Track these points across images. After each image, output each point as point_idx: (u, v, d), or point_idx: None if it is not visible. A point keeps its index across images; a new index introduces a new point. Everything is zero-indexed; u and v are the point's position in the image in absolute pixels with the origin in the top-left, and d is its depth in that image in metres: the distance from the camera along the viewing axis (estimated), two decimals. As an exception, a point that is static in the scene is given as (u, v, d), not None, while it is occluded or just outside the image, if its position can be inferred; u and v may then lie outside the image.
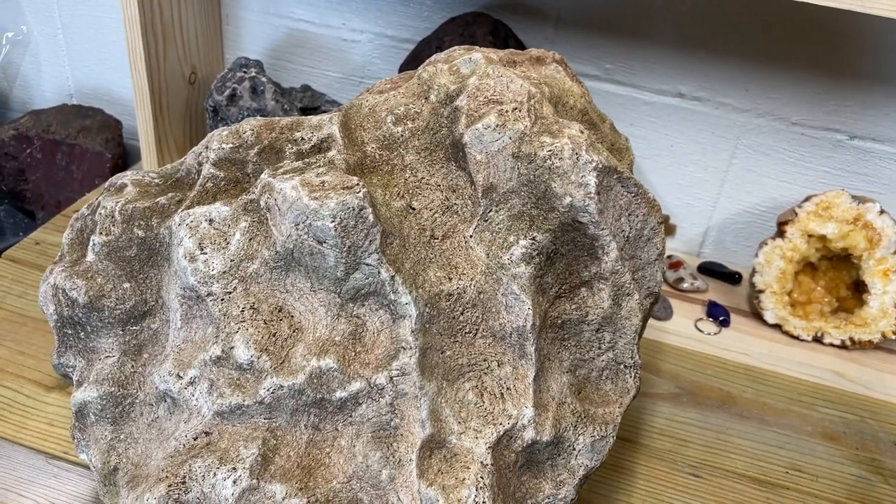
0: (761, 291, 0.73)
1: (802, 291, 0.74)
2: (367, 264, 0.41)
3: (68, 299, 0.48)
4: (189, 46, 0.80)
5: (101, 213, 0.49)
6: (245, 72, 0.77)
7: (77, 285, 0.48)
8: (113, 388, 0.48)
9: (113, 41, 0.92)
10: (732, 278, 0.80)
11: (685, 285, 0.77)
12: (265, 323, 0.43)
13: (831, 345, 0.73)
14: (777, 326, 0.74)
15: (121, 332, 0.49)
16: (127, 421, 0.48)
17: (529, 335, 0.43)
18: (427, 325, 0.42)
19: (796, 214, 0.71)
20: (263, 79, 0.76)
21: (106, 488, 0.48)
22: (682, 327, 0.73)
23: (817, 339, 0.73)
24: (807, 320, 0.73)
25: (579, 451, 0.45)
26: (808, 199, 0.71)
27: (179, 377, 0.44)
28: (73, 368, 0.51)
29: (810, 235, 0.71)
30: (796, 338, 0.73)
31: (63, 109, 0.90)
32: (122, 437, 0.48)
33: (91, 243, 0.49)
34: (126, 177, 0.52)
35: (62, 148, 0.86)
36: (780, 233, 0.72)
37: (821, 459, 0.62)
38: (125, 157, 0.91)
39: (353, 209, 0.40)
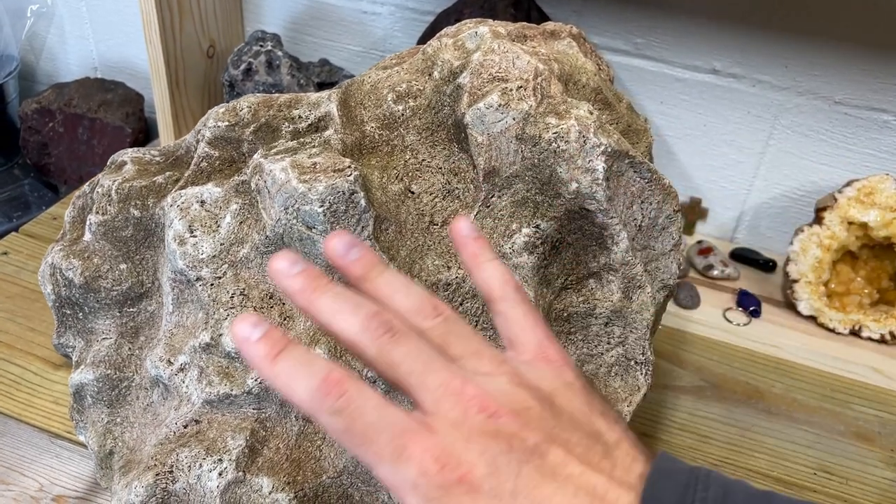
0: (795, 281, 0.69)
1: (840, 282, 0.70)
2: (360, 251, 0.39)
3: (65, 279, 0.47)
4: (207, 19, 0.79)
5: (98, 192, 0.48)
6: (261, 46, 0.75)
7: (73, 265, 0.47)
8: (109, 371, 0.47)
9: (136, 13, 0.91)
10: (766, 266, 0.76)
11: (715, 272, 0.74)
12: (255, 310, 0.41)
13: (870, 339, 0.69)
14: (812, 318, 0.70)
15: (118, 314, 0.48)
16: (123, 404, 0.48)
17: (531, 329, 0.40)
18: (423, 316, 0.40)
19: (836, 200, 0.67)
20: (279, 53, 0.74)
21: (102, 471, 0.48)
22: (710, 316, 0.70)
23: (855, 333, 0.69)
24: (844, 312, 0.69)
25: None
26: (849, 183, 0.67)
27: (170, 363, 0.43)
28: (72, 349, 0.50)
29: (850, 223, 0.66)
30: (832, 331, 0.69)
31: (85, 83, 0.89)
32: (118, 420, 0.47)
33: (88, 222, 0.48)
34: (127, 154, 0.51)
35: (83, 122, 0.86)
36: (818, 219, 0.68)
37: (852, 461, 0.58)
38: (146, 132, 0.90)
39: (344, 193, 0.38)
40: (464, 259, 0.33)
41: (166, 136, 0.79)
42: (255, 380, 0.40)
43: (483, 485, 0.27)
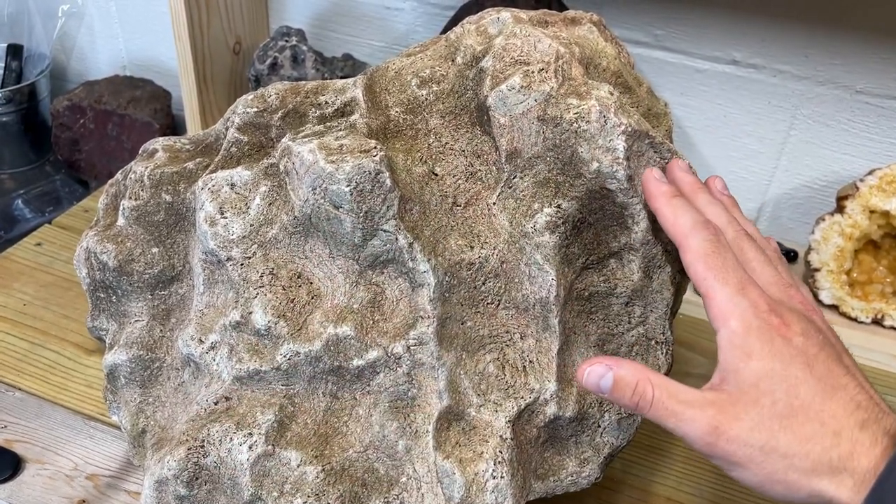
0: (817, 270, 0.69)
1: (862, 271, 0.70)
2: (385, 230, 0.40)
3: (99, 263, 0.49)
4: (233, 15, 0.80)
5: (131, 178, 0.50)
6: (286, 41, 0.76)
7: (107, 249, 0.48)
8: (142, 352, 0.49)
9: (163, 13, 0.93)
10: (788, 256, 0.76)
11: (736, 262, 0.74)
12: (283, 289, 0.42)
13: (892, 328, 0.68)
14: (834, 307, 0.70)
15: (150, 297, 0.49)
16: (155, 384, 0.49)
17: (553, 307, 0.41)
18: (447, 295, 0.41)
19: (857, 188, 0.67)
20: (304, 47, 0.76)
21: (135, 449, 0.49)
22: (731, 306, 0.70)
23: (877, 322, 0.69)
24: (866, 301, 0.69)
25: (605, 428, 0.44)
26: (871, 172, 0.67)
27: (201, 342, 0.44)
28: (106, 331, 0.52)
29: (872, 211, 0.66)
30: (854, 319, 0.69)
31: (114, 80, 0.91)
32: (150, 400, 0.49)
33: (121, 208, 0.49)
34: (158, 142, 0.52)
35: (113, 118, 0.88)
36: (840, 208, 0.68)
37: (875, 447, 0.58)
38: (174, 128, 0.92)
39: (370, 173, 0.39)
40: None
41: (194, 130, 0.81)
42: (284, 355, 0.41)
43: (794, 339, 0.33)
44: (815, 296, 0.70)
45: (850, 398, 0.32)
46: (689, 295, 0.71)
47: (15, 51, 0.93)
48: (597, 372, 0.36)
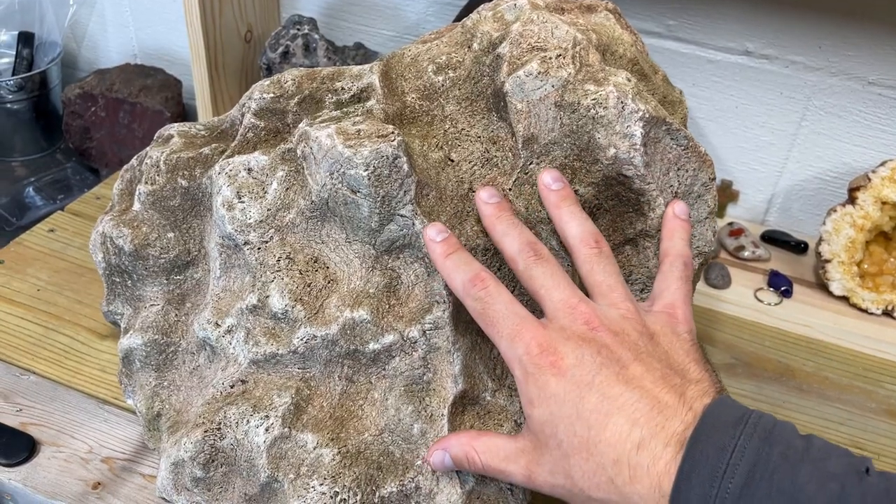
0: (828, 261, 0.69)
1: (874, 262, 0.70)
2: (402, 215, 0.40)
3: (115, 247, 0.49)
4: (245, 4, 0.80)
5: (147, 163, 0.50)
6: (298, 29, 0.76)
7: (123, 233, 0.48)
8: (157, 336, 0.49)
9: (175, 1, 0.93)
10: (798, 248, 0.76)
11: (746, 254, 0.74)
12: (300, 273, 0.42)
13: (903, 319, 0.69)
14: (844, 298, 0.70)
15: (165, 281, 0.50)
16: (170, 368, 0.49)
17: (568, 292, 0.41)
18: (463, 280, 0.41)
19: (869, 180, 0.67)
20: (316, 36, 0.76)
21: (150, 433, 0.49)
22: (741, 296, 0.70)
23: (888, 313, 0.69)
24: (877, 292, 0.69)
25: (618, 414, 0.44)
26: (883, 163, 0.67)
27: (217, 325, 0.44)
28: (121, 316, 0.52)
29: (884, 203, 0.66)
30: (864, 311, 0.69)
31: (126, 68, 0.92)
32: (165, 383, 0.49)
33: (137, 192, 0.49)
34: (173, 128, 0.52)
35: (124, 106, 0.88)
36: (851, 199, 0.68)
37: (885, 437, 0.58)
38: (185, 116, 0.92)
39: (388, 158, 0.39)
40: (665, 229, 0.41)
41: (205, 118, 0.81)
42: (301, 339, 0.41)
43: (568, 371, 0.34)
44: (826, 287, 0.70)
45: (625, 419, 0.32)
46: (700, 285, 0.71)
47: (26, 38, 0.93)
48: (438, 458, 0.39)
